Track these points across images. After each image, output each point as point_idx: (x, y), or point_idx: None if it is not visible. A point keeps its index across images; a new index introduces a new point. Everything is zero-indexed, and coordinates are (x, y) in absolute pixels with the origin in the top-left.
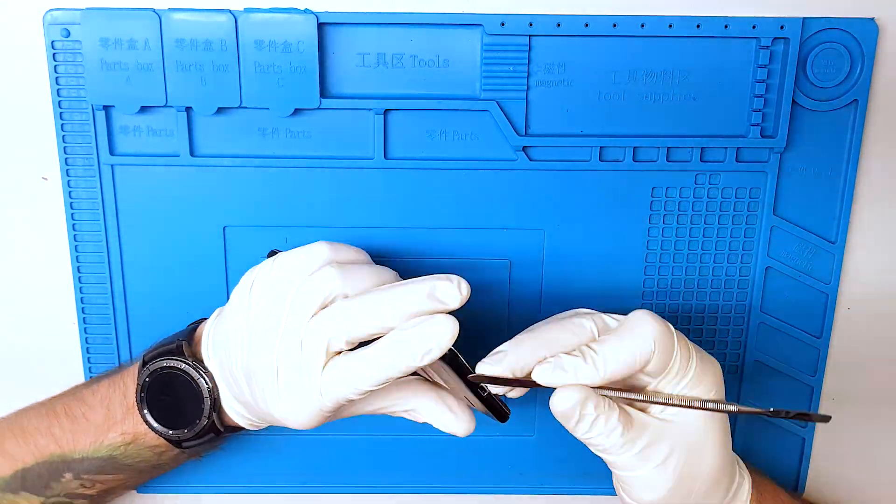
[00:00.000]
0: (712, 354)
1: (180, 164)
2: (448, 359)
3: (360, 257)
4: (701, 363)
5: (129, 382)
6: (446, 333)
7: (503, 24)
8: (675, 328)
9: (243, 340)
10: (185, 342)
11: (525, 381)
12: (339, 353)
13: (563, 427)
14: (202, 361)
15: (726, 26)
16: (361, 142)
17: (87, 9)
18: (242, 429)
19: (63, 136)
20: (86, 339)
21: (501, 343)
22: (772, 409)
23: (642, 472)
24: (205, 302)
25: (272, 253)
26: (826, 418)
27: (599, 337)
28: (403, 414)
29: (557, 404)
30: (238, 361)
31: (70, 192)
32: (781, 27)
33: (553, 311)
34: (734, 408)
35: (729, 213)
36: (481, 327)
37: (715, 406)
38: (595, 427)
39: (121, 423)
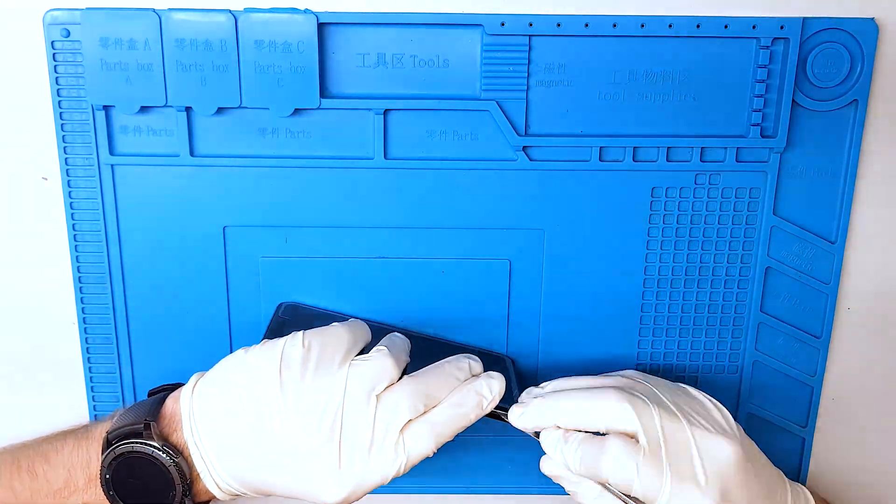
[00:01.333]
0: (712, 355)
1: (180, 164)
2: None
3: (367, 334)
4: (680, 500)
5: (92, 453)
6: (501, 384)
7: (503, 24)
8: (659, 460)
9: (272, 423)
10: (153, 421)
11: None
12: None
13: None
14: (168, 440)
15: (726, 26)
16: (361, 142)
17: (87, 9)
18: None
19: (63, 136)
20: (86, 339)
21: (502, 345)
22: None
23: None
24: (205, 302)
25: (276, 330)
26: None
27: (586, 440)
28: None
29: (541, 466)
30: (258, 441)
31: (70, 192)
32: (781, 27)
33: (553, 311)
34: None
35: (729, 213)
36: (481, 327)
37: None
38: (574, 495)
39: (82, 492)
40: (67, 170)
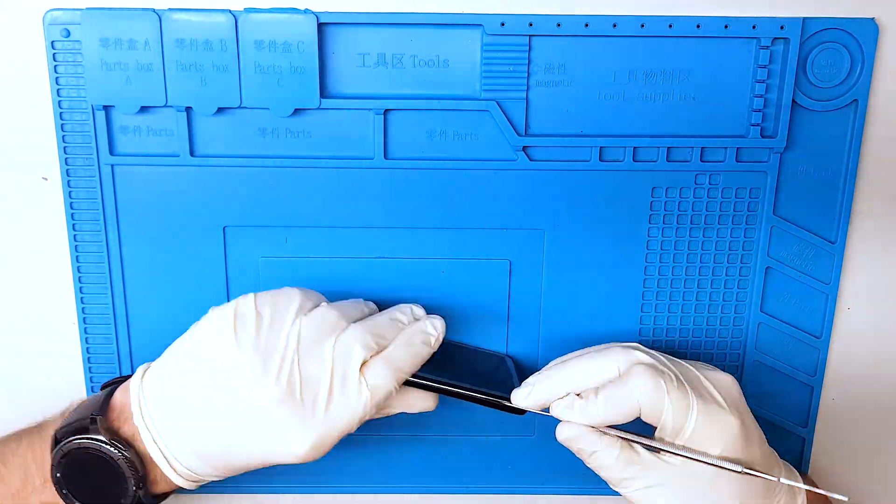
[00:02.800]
0: (712, 354)
1: (180, 164)
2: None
3: (320, 297)
4: (706, 419)
5: (45, 452)
6: (441, 322)
7: (503, 24)
8: (682, 384)
9: (228, 382)
10: (100, 416)
11: (544, 413)
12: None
13: None
14: (118, 433)
15: (726, 26)
16: (361, 142)
17: (87, 9)
18: (179, 489)
19: (63, 136)
20: (86, 339)
21: (502, 345)
22: (780, 480)
23: None
24: (204, 302)
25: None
26: None
27: (608, 383)
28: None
29: (558, 434)
30: (216, 405)
31: (70, 192)
32: (781, 27)
33: (553, 311)
34: (737, 468)
35: (729, 213)
36: (481, 327)
37: (714, 462)
38: (595, 459)
39: (39, 492)
40: (67, 170)
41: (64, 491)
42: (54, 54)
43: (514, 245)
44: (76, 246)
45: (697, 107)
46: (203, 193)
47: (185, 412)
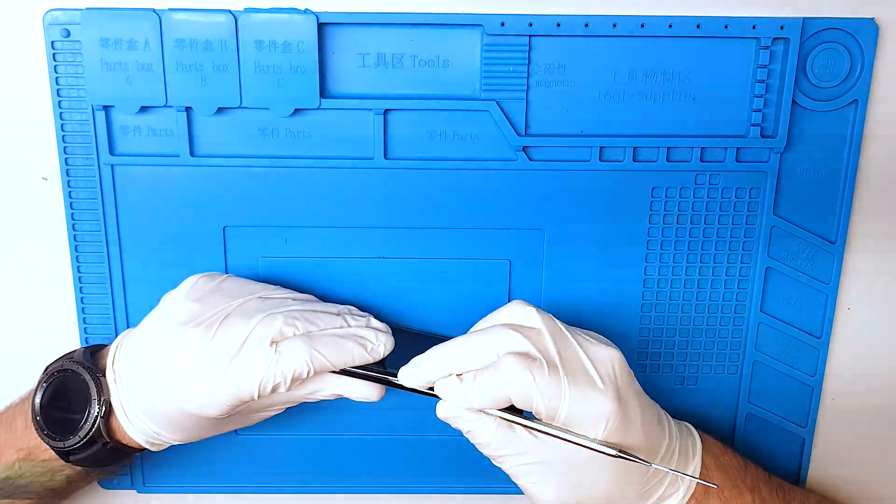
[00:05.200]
0: (712, 354)
1: (180, 164)
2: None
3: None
4: (579, 404)
5: (32, 400)
6: (388, 336)
7: (503, 24)
8: (555, 369)
9: (173, 328)
10: (88, 351)
11: (428, 393)
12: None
13: None
14: (103, 370)
15: (726, 26)
16: (361, 142)
17: (87, 9)
18: (141, 450)
19: (63, 136)
20: (86, 339)
21: None
22: (652, 466)
23: (524, 482)
24: None
25: None
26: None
27: (483, 369)
28: (321, 397)
29: (437, 412)
30: (155, 350)
31: (70, 192)
32: (781, 27)
33: (553, 311)
34: (610, 451)
35: (729, 213)
36: None
37: (587, 444)
38: (472, 437)
39: (20, 439)
40: (67, 170)
41: (38, 418)
42: (54, 54)
43: (514, 245)
44: (76, 246)
45: (697, 107)
46: (203, 193)
47: (136, 369)
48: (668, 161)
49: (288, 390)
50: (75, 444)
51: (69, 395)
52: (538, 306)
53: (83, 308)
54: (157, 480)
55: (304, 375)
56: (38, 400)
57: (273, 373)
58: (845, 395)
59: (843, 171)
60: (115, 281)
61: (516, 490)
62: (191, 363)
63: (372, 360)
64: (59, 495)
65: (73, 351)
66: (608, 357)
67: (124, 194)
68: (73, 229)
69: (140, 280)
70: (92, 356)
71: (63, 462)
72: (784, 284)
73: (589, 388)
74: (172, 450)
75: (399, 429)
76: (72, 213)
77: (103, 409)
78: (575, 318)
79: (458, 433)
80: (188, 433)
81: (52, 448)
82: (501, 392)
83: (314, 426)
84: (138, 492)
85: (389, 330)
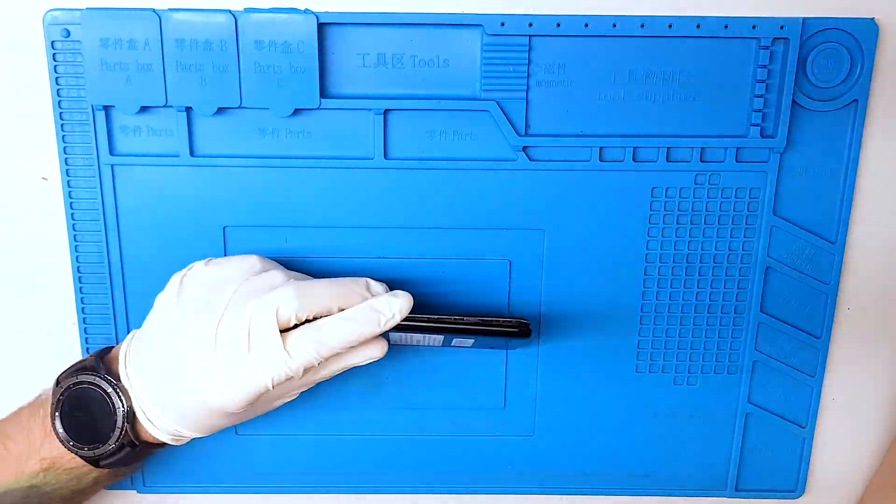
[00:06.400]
0: (712, 354)
1: (180, 164)
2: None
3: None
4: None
5: (47, 406)
6: (407, 302)
7: (503, 24)
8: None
9: (174, 329)
10: (98, 358)
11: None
12: (290, 328)
13: (563, 427)
14: (117, 376)
15: (726, 26)
16: (361, 142)
17: (87, 9)
18: (165, 445)
19: (63, 136)
20: (86, 339)
21: (502, 345)
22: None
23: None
24: None
25: None
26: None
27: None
28: (332, 374)
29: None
30: (163, 352)
31: (70, 192)
32: (781, 27)
33: (553, 311)
34: None
35: (729, 213)
36: None
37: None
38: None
39: (39, 449)
40: (67, 170)
41: (61, 430)
42: (54, 54)
43: (514, 245)
44: (76, 246)
45: (697, 107)
46: (203, 193)
47: (147, 366)
48: (668, 161)
49: (301, 378)
50: (106, 452)
51: (89, 405)
52: (538, 306)
53: (83, 308)
54: (157, 480)
55: (316, 365)
56: (57, 414)
57: (286, 370)
58: (845, 395)
59: (843, 171)
60: (115, 281)
61: (516, 490)
62: (199, 363)
63: (381, 330)
64: (86, 495)
65: (84, 360)
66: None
67: (124, 194)
68: (73, 229)
69: (140, 280)
70: (102, 361)
71: (91, 467)
72: (784, 284)
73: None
74: (172, 450)
75: (399, 429)
76: (72, 213)
77: (128, 415)
78: (575, 318)
79: (459, 433)
80: (209, 425)
81: (82, 457)
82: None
83: (314, 426)
84: (138, 492)
85: (406, 293)
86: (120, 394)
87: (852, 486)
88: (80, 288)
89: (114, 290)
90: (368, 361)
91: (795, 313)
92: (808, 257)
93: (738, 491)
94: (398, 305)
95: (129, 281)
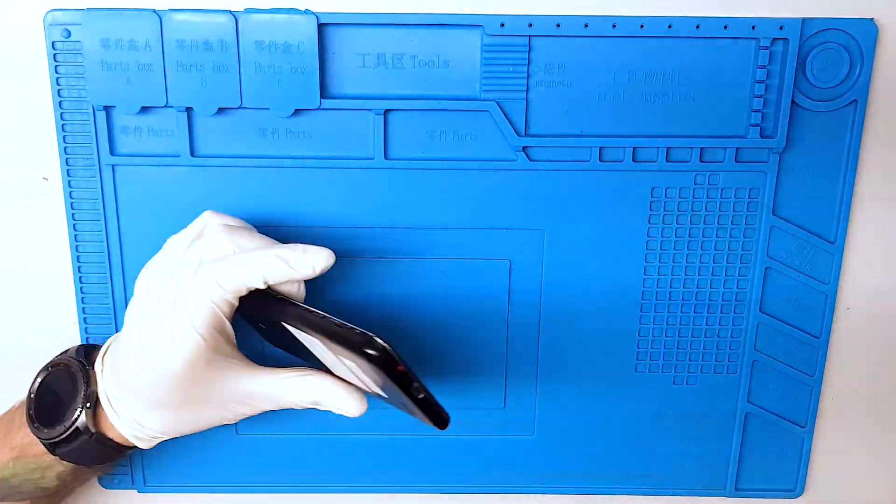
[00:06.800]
0: (712, 354)
1: (180, 165)
2: (391, 373)
3: (245, 225)
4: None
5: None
6: (327, 257)
7: (503, 25)
8: None
9: (131, 310)
10: (83, 347)
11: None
12: None
13: (563, 427)
14: (93, 362)
15: (726, 27)
16: (361, 142)
17: (88, 9)
18: (133, 448)
19: (63, 136)
20: (86, 339)
21: (502, 345)
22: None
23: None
24: None
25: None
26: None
27: None
28: (309, 405)
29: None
30: (124, 334)
31: (70, 193)
32: (781, 28)
33: (553, 311)
34: None
35: (729, 213)
36: (481, 327)
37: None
38: None
39: (14, 437)
40: (68, 170)
41: (30, 412)
42: (55, 55)
43: (514, 245)
44: (76, 246)
45: (697, 107)
46: (203, 193)
47: (116, 346)
48: (667, 161)
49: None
50: (60, 434)
51: (60, 388)
52: (538, 306)
53: (84, 308)
54: (158, 480)
55: (227, 285)
56: (32, 397)
57: (199, 301)
58: (845, 395)
59: (842, 171)
60: (116, 281)
61: (517, 490)
62: (136, 314)
63: (297, 275)
64: (53, 497)
65: (71, 347)
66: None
67: (124, 194)
68: (74, 229)
69: None
70: (89, 353)
71: (51, 457)
72: (784, 284)
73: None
74: (172, 449)
75: (398, 429)
76: (72, 213)
77: (89, 399)
78: (575, 318)
79: (459, 433)
80: (169, 416)
81: (40, 439)
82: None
83: (314, 426)
84: (138, 491)
85: (330, 251)
86: (87, 378)
87: (852, 486)
88: (81, 288)
89: (114, 290)
90: (341, 411)
91: (795, 313)
92: (808, 257)
93: (738, 491)
94: (319, 256)
95: (130, 281)
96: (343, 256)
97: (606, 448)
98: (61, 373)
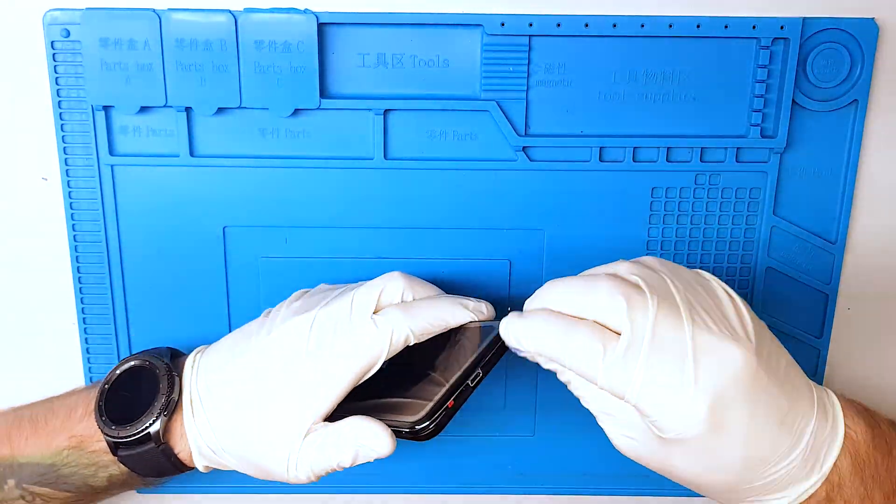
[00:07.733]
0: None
1: (180, 164)
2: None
3: (433, 293)
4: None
5: (96, 389)
6: (491, 309)
7: (503, 25)
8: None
9: (263, 326)
10: (171, 350)
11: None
12: None
13: (563, 427)
14: (181, 370)
15: (726, 26)
16: (361, 142)
17: (87, 9)
18: (185, 469)
19: (63, 136)
20: (86, 339)
21: None
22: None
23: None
24: (205, 302)
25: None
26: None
27: None
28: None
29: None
30: (244, 348)
31: (70, 193)
32: (781, 27)
33: None
34: None
35: (729, 214)
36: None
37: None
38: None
39: (76, 425)
40: (67, 170)
41: (100, 404)
42: (54, 54)
43: (514, 245)
44: (76, 246)
45: (697, 107)
46: (203, 193)
47: (219, 353)
48: (668, 161)
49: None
50: (131, 435)
51: (139, 383)
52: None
53: (83, 308)
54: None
55: (410, 341)
56: (106, 387)
57: (385, 342)
58: (845, 394)
59: (843, 171)
60: (115, 281)
61: (517, 490)
62: (293, 354)
63: (475, 319)
64: (96, 496)
65: (157, 348)
66: (723, 358)
67: (124, 194)
68: (73, 229)
69: (140, 280)
70: (175, 356)
71: (110, 457)
72: (784, 284)
73: (669, 389)
74: None
75: None
76: (72, 214)
77: (168, 407)
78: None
79: (459, 433)
80: (256, 457)
81: (105, 436)
82: (564, 358)
83: None
84: (138, 491)
85: (489, 305)
86: (171, 383)
87: None
88: (80, 288)
89: (114, 290)
90: (376, 454)
91: (795, 313)
92: (808, 257)
93: None
94: (485, 308)
95: (129, 281)
96: (343, 256)
97: (606, 448)
98: (143, 372)
